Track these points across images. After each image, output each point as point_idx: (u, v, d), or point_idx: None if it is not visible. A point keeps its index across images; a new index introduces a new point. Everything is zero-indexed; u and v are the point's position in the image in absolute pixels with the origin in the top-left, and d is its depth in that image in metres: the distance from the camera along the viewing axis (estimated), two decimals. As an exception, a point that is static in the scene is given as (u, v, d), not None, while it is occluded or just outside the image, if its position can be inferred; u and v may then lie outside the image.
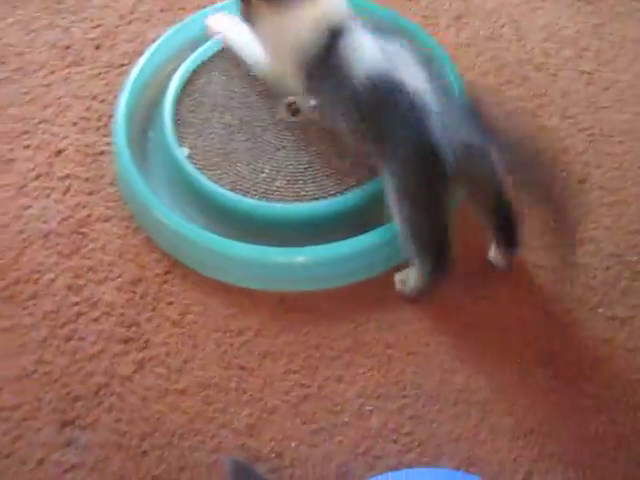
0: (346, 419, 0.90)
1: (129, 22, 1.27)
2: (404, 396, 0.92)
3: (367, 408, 0.91)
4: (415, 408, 0.91)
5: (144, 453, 0.88)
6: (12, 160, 1.11)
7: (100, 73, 1.21)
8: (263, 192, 1.02)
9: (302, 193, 1.02)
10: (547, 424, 0.90)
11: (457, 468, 0.86)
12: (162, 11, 1.28)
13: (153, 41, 1.23)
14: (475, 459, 0.87)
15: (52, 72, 1.21)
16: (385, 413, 0.91)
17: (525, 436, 0.89)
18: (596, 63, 1.25)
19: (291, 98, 1.11)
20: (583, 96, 1.21)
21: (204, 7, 1.27)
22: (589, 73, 1.24)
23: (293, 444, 0.88)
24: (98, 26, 1.27)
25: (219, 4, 1.23)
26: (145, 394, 0.92)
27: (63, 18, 1.28)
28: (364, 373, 0.94)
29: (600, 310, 0.99)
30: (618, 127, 1.17)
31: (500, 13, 1.31)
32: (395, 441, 0.88)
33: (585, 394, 0.92)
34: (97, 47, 1.24)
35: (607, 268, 1.02)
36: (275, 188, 1.02)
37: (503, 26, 1.29)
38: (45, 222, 1.05)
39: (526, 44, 1.27)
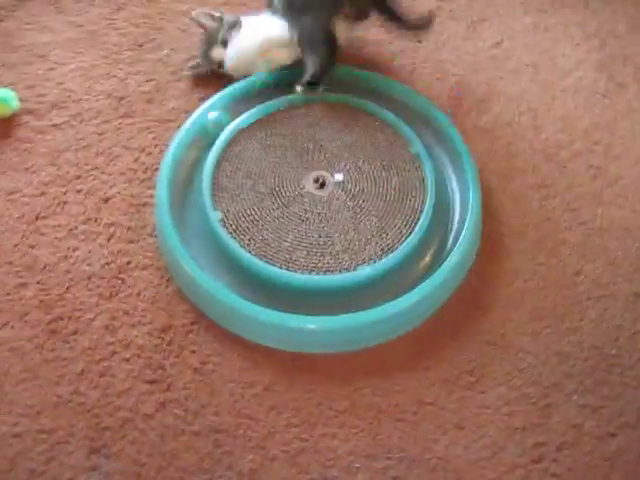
0: (335, 473, 1.03)
1: (179, 79, 1.40)
2: (389, 458, 1.05)
3: (355, 465, 1.04)
4: (398, 469, 1.03)
5: (159, 484, 1.02)
6: (65, 203, 1.25)
7: (149, 127, 1.34)
8: (285, 260, 1.15)
9: (319, 265, 1.15)
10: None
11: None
12: (207, 72, 1.41)
13: (199, 100, 1.36)
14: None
15: (106, 121, 1.34)
16: (370, 472, 1.03)
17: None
18: (604, 158, 1.35)
19: (317, 172, 1.23)
20: (587, 190, 1.31)
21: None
22: (597, 167, 1.33)
23: (288, 491, 1.02)
24: (151, 80, 1.40)
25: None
26: (164, 431, 1.05)
27: (120, 69, 1.41)
28: (356, 433, 1.06)
29: (574, 397, 1.10)
30: (616, 223, 1.27)
31: (521, 100, 1.41)
32: (377, 499, 1.01)
33: (550, 474, 1.04)
34: (148, 101, 1.37)
35: (586, 359, 1.13)
36: (295, 257, 1.15)
37: (522, 114, 1.39)
38: (89, 265, 1.19)
39: (541, 133, 1.37)
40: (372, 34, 1.45)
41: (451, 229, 1.22)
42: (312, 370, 1.11)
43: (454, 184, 1.27)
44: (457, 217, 1.23)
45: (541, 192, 1.30)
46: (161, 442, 1.04)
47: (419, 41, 1.47)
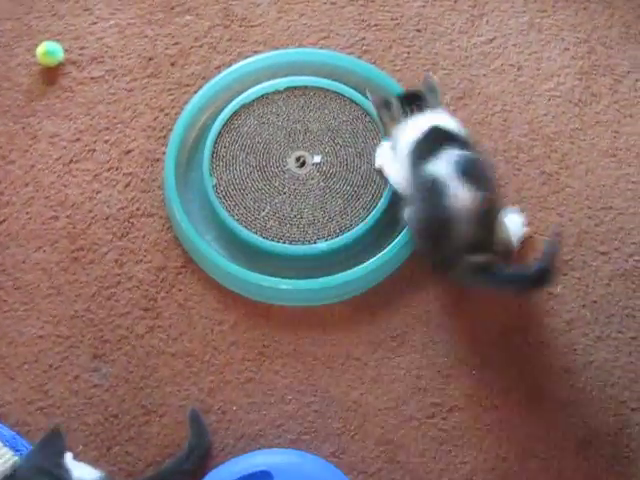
0: (272, 401, 1.34)
1: (201, 45, 1.60)
2: (314, 395, 1.35)
3: (288, 397, 1.35)
4: (320, 405, 1.34)
5: (141, 388, 1.35)
6: (94, 150, 1.52)
7: (170, 89, 1.57)
8: (260, 227, 1.41)
9: (287, 234, 1.40)
10: None
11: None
12: (229, 40, 1.60)
13: (216, 68, 1.57)
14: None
15: (134, 79, 1.58)
16: (299, 404, 1.34)
17: None
18: (558, 166, 1.51)
19: (300, 152, 1.44)
20: (534, 194, 1.49)
21: (261, 43, 1.59)
22: (548, 174, 1.51)
23: (234, 408, 1.33)
24: (176, 44, 1.61)
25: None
26: (149, 350, 1.38)
27: (152, 29, 1.63)
28: (293, 373, 1.36)
29: (474, 372, 1.35)
30: (552, 229, 1.46)
31: (497, 100, 1.57)
32: (300, 424, 1.32)
33: (438, 428, 1.32)
34: (172, 64, 1.59)
35: (492, 343, 1.37)
36: (269, 226, 1.41)
37: (495, 114, 1.55)
38: (109, 207, 1.48)
39: (507, 135, 1.54)
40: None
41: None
42: (268, 317, 1.40)
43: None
44: (411, 206, 1.45)
45: (493, 191, 1.49)
46: (146, 357, 1.37)
47: (418, 30, 1.61)
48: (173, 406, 1.33)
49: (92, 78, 1.58)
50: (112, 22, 1.64)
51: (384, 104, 1.40)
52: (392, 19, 1.63)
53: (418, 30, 1.63)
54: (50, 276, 1.42)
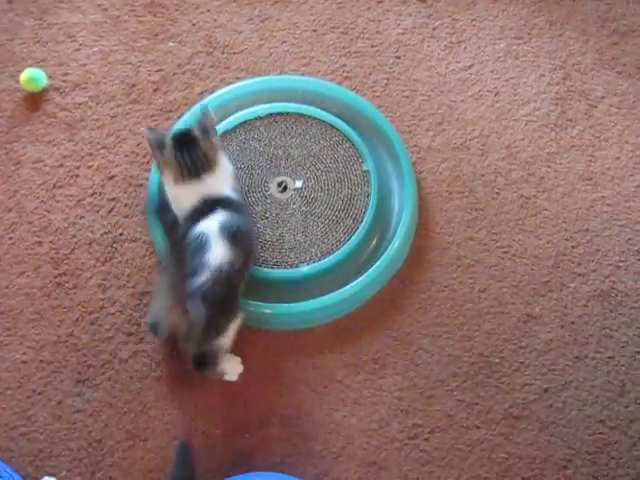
0: (256, 424, 1.34)
1: (184, 72, 1.63)
2: (298, 418, 1.36)
3: (272, 420, 1.35)
4: (303, 428, 1.34)
5: (125, 413, 1.35)
6: (77, 176, 1.53)
7: (153, 115, 1.59)
8: (242, 252, 1.41)
9: (269, 259, 1.42)
10: None
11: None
12: (211, 66, 1.63)
13: (199, 95, 1.59)
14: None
15: (118, 105, 1.60)
16: (282, 426, 1.34)
17: None
18: (536, 189, 1.55)
19: (281, 178, 1.46)
20: (512, 217, 1.52)
21: (243, 70, 1.62)
22: (526, 198, 1.54)
23: (218, 431, 1.33)
24: (159, 70, 1.64)
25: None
26: (133, 374, 1.38)
27: (135, 56, 1.65)
28: (276, 395, 1.37)
29: (455, 393, 1.38)
30: (529, 251, 1.50)
31: (475, 125, 1.60)
32: (283, 447, 1.32)
33: (420, 449, 1.34)
34: (155, 90, 1.61)
35: (472, 363, 1.40)
36: (251, 250, 1.42)
37: (473, 139, 1.59)
38: (92, 232, 1.49)
39: (486, 160, 1.57)
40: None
41: (385, 239, 1.47)
42: (251, 341, 1.41)
43: (395, 200, 1.50)
44: (392, 229, 1.47)
45: (472, 214, 1.52)
46: (130, 381, 1.37)
47: (397, 57, 1.65)
48: (157, 430, 1.34)
49: (75, 104, 1.59)
50: (95, 49, 1.66)
51: (158, 144, 1.34)
52: (372, 46, 1.66)
53: (397, 57, 1.66)
54: (33, 301, 1.43)
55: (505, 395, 1.38)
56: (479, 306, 1.45)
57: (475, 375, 1.40)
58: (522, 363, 1.40)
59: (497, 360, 1.41)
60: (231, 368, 1.37)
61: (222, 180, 1.36)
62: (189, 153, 1.33)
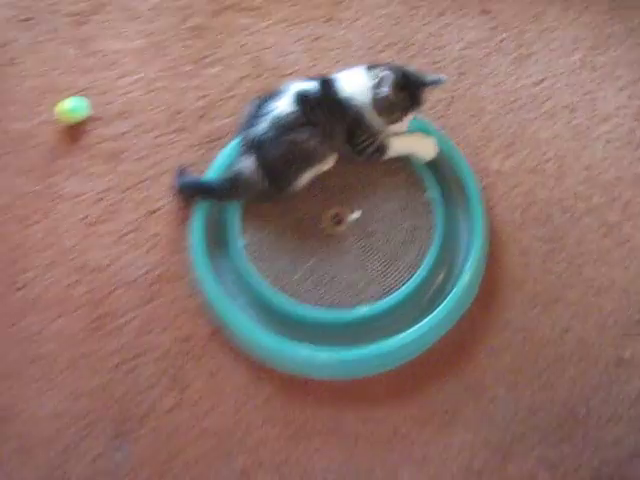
0: None
1: (231, 97, 1.52)
2: (357, 477, 1.20)
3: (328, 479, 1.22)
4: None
5: (166, 470, 1.23)
6: (119, 210, 1.44)
7: (199, 143, 1.48)
8: (293, 291, 1.29)
9: (324, 298, 1.28)
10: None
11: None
12: (259, 90, 1.51)
13: (245, 120, 1.48)
14: None
15: (162, 134, 1.50)
16: None
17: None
18: (621, 216, 1.38)
19: (336, 209, 1.34)
20: (596, 247, 1.36)
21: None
22: (610, 225, 1.37)
23: None
24: (205, 96, 1.53)
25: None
26: (176, 427, 1.26)
27: (180, 82, 1.55)
28: (334, 453, 1.23)
29: (536, 450, 1.21)
30: (617, 285, 1.33)
31: (550, 145, 1.45)
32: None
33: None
34: (201, 116, 1.51)
35: (555, 415, 1.23)
36: (303, 289, 1.29)
37: (548, 160, 1.43)
38: (133, 270, 1.38)
39: (563, 183, 1.41)
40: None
41: (452, 275, 1.32)
42: (305, 391, 1.28)
43: (464, 231, 1.35)
44: (459, 264, 1.32)
45: (549, 245, 1.36)
46: (173, 435, 1.25)
47: (461, 73, 1.51)
48: (202, 493, 1.23)
49: (118, 134, 1.50)
50: (138, 76, 1.57)
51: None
52: (433, 63, 1.53)
53: (461, 73, 1.52)
54: (69, 347, 1.32)
55: (594, 452, 1.21)
56: (561, 349, 1.29)
57: (559, 429, 1.23)
58: (613, 414, 1.23)
59: (584, 411, 1.24)
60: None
61: None
62: None
